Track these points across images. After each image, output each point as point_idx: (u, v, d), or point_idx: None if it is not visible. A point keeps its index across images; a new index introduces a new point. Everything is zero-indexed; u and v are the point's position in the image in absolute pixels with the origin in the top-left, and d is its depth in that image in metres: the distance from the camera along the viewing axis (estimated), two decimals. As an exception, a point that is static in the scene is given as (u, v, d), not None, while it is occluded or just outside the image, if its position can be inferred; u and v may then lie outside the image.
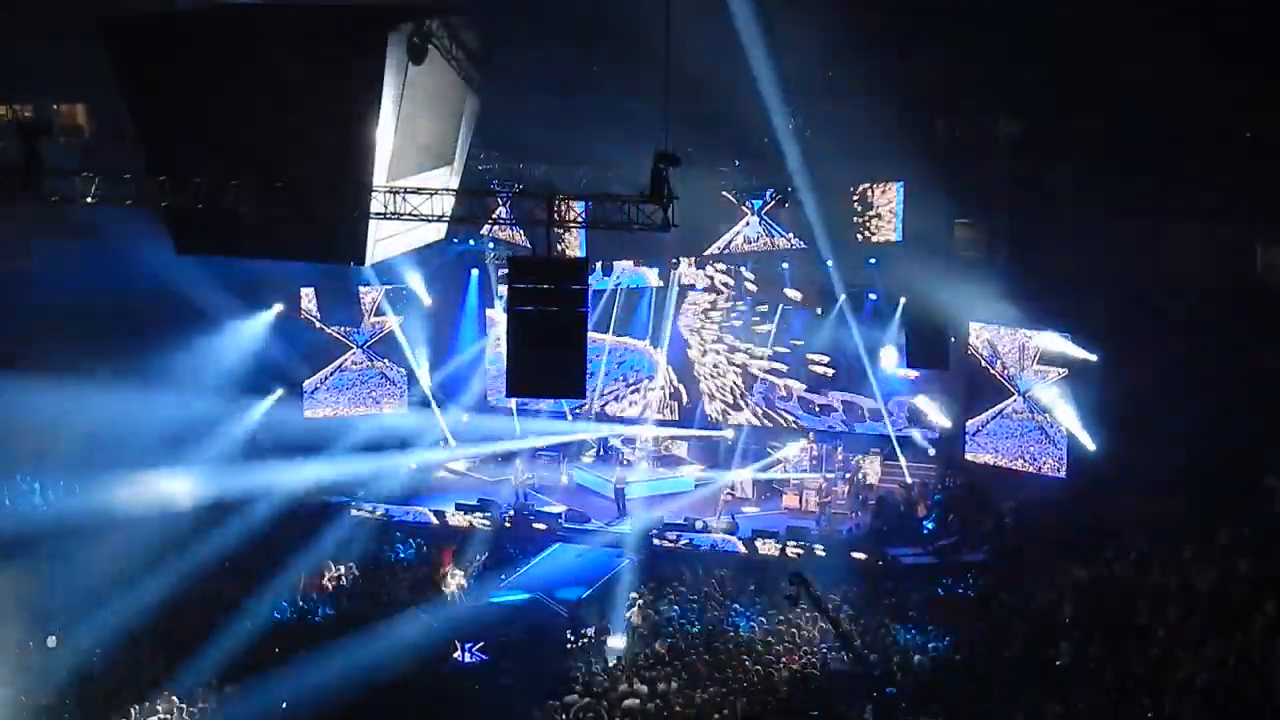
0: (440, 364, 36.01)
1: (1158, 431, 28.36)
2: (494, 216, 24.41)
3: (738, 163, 31.78)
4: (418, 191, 21.43)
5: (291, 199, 20.74)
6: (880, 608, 26.38)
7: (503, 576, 28.81)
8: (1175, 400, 28.37)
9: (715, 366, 35.53)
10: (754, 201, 32.02)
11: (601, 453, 35.18)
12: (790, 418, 34.81)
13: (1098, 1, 27.65)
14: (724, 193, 32.29)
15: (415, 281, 34.86)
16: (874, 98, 28.70)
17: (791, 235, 32.52)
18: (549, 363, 20.46)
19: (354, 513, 31.22)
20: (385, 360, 35.33)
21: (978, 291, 31.14)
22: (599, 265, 34.71)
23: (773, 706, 22.57)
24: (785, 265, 33.80)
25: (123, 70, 21.72)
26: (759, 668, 23.78)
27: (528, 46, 27.42)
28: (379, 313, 35.04)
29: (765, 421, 35.13)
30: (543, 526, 31.06)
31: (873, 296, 33.34)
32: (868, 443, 33.86)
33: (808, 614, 24.85)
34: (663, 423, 35.58)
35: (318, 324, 34.66)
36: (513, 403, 35.25)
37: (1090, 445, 30.21)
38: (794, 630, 24.99)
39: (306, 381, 34.65)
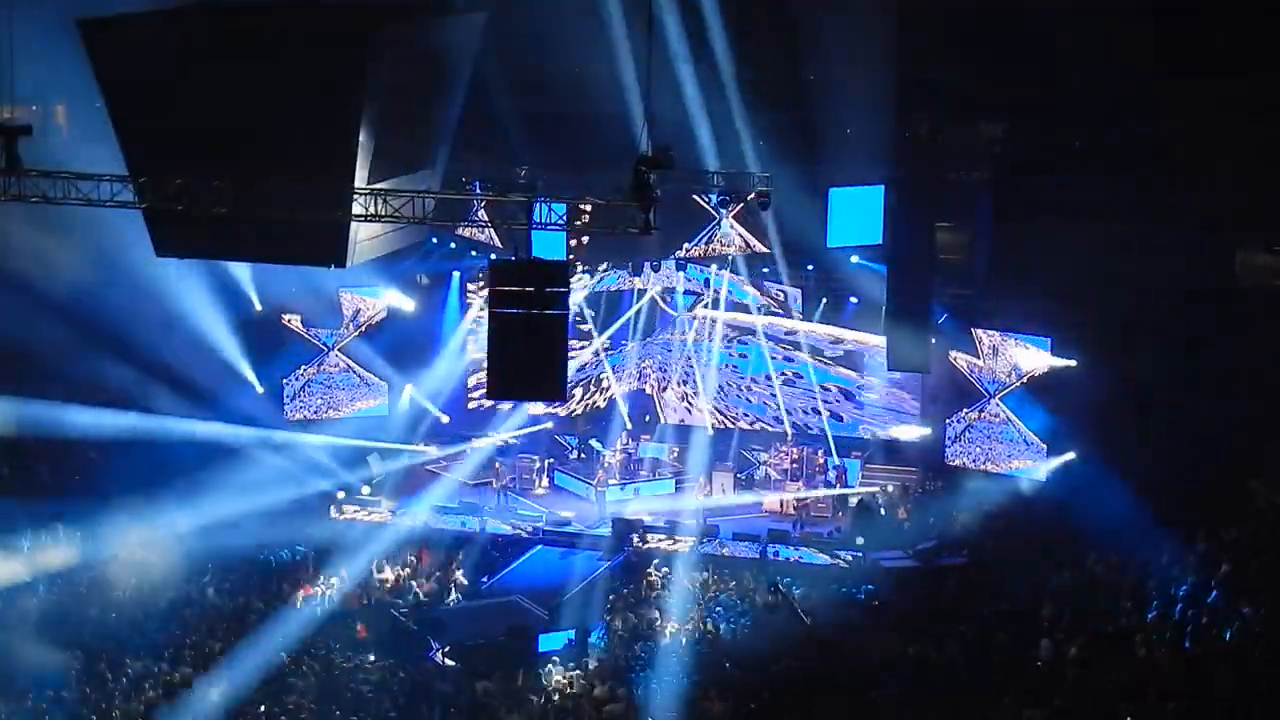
0: (421, 365, 35.80)
1: (1138, 434, 28.48)
2: (475, 219, 24.39)
3: (715, 165, 31.73)
4: (398, 193, 21.38)
5: (271, 201, 20.68)
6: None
7: (483, 579, 28.76)
8: (1156, 403, 28.49)
9: (694, 371, 35.58)
10: (731, 204, 31.88)
11: (582, 455, 35.13)
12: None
13: (1082, 9, 27.77)
14: (697, 196, 32.16)
15: (395, 285, 34.75)
16: (857, 100, 28.79)
17: (768, 238, 32.49)
18: (530, 366, 20.45)
19: (334, 516, 31.13)
20: (359, 365, 35.08)
21: (959, 295, 31.20)
22: (580, 268, 34.59)
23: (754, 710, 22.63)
24: (765, 270, 33.80)
25: (103, 71, 21.67)
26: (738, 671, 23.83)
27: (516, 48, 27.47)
28: (358, 316, 34.87)
29: (745, 425, 35.21)
30: (524, 529, 31.06)
31: (854, 300, 33.41)
32: (848, 445, 33.91)
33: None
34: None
35: (298, 328, 34.51)
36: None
37: (1068, 448, 30.31)
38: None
39: (285, 380, 34.44)
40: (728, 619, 26.61)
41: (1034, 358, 30.71)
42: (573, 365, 33.11)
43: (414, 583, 28.07)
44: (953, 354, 31.91)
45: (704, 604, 27.04)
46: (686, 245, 33.00)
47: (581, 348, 35.22)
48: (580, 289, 34.34)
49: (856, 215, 31.40)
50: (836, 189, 30.64)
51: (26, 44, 22.26)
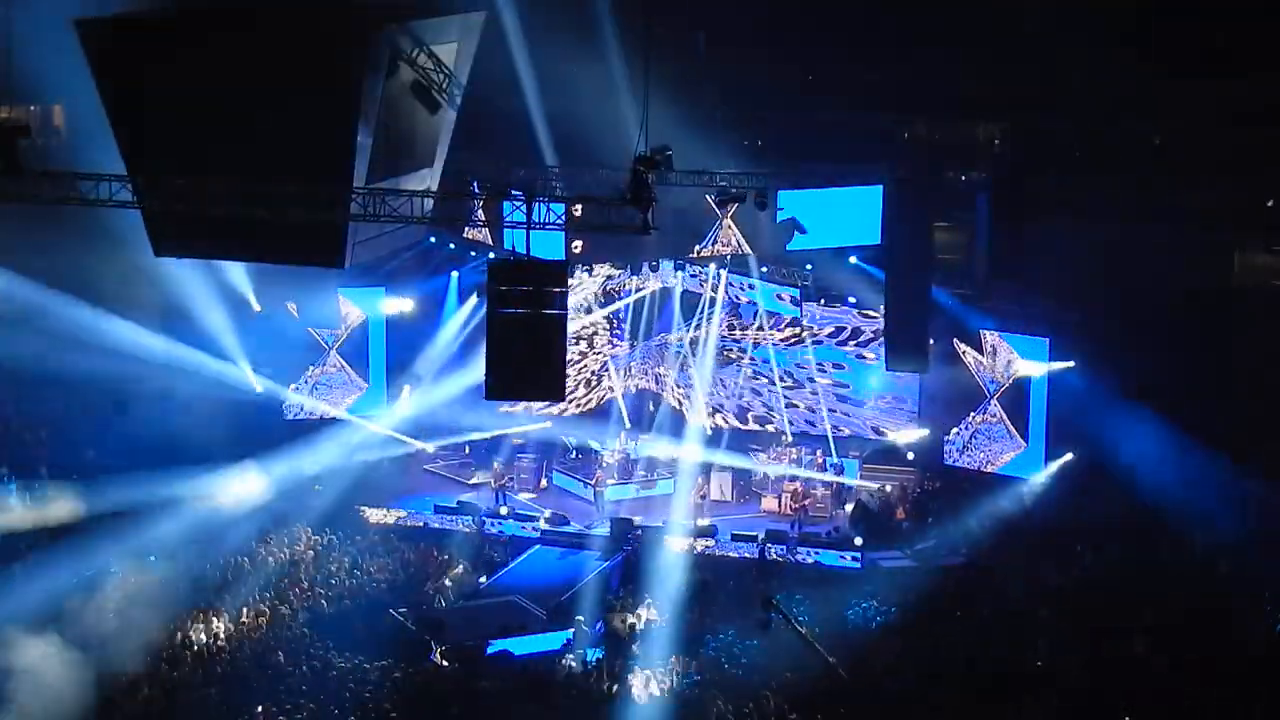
0: (419, 365, 35.78)
1: (1136, 433, 28.47)
2: (474, 219, 24.38)
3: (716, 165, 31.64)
4: (396, 193, 21.37)
5: (270, 201, 20.68)
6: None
7: (481, 579, 28.75)
8: (1154, 402, 28.47)
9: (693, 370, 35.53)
10: (730, 204, 31.77)
11: (580, 454, 35.11)
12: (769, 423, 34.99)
13: (1082, 9, 27.75)
14: (707, 196, 32.08)
15: (394, 285, 34.75)
16: (856, 100, 28.77)
17: (765, 238, 32.41)
18: (529, 366, 20.46)
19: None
20: (357, 365, 35.04)
21: (956, 293, 31.19)
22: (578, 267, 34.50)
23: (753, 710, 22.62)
24: (764, 269, 33.75)
25: (102, 71, 21.64)
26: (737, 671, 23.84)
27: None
28: (356, 317, 34.84)
29: (742, 424, 35.21)
30: (522, 528, 31.07)
31: (852, 300, 33.40)
32: (847, 445, 33.90)
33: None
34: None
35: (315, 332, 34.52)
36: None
37: (1066, 449, 30.31)
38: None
39: (292, 387, 34.39)
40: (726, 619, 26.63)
41: (1031, 361, 30.72)
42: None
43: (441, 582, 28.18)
44: (961, 347, 31.85)
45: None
46: (697, 246, 32.91)
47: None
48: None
49: (819, 217, 31.08)
50: (785, 191, 30.11)
51: (25, 44, 22.31)
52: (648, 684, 23.77)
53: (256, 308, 33.33)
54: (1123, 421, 28.87)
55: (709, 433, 34.79)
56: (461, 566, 28.96)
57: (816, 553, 29.71)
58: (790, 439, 34.17)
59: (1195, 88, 27.33)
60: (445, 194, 24.26)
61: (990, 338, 31.32)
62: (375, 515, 31.38)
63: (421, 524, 31.27)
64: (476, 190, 27.45)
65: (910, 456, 33.38)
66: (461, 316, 35.26)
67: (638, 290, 35.50)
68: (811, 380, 34.45)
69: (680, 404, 35.57)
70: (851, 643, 24.55)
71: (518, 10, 27.14)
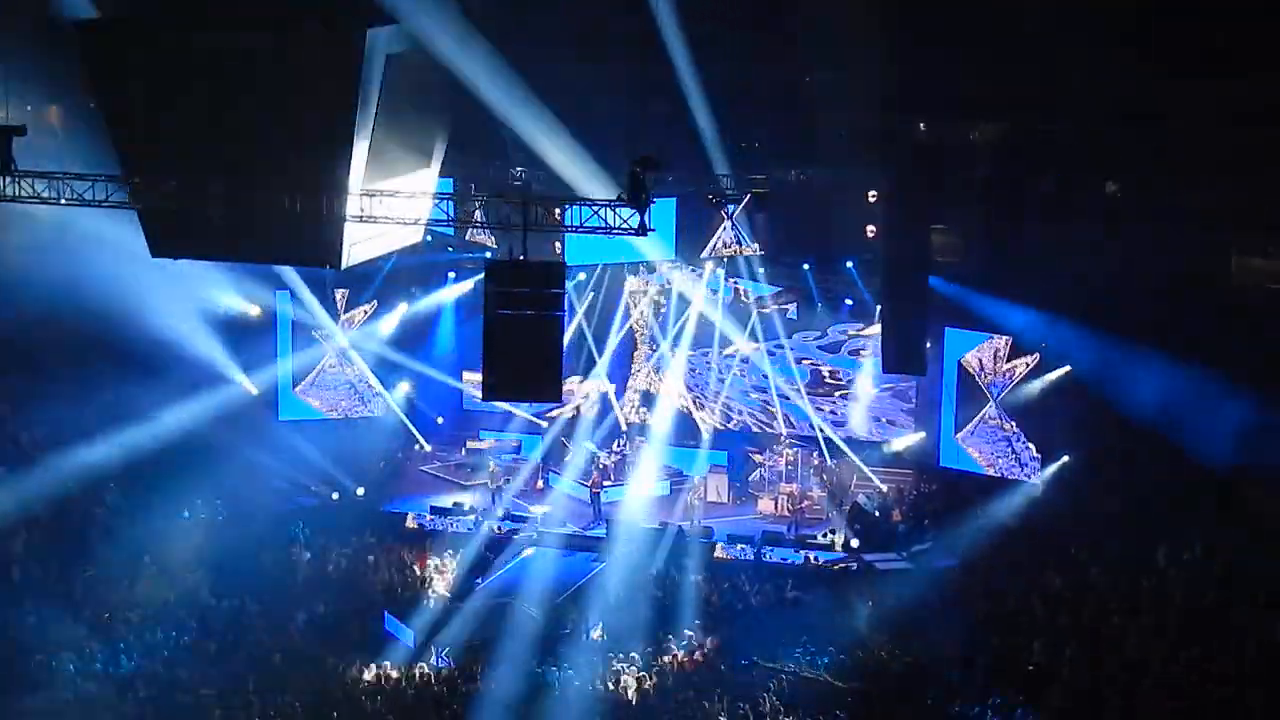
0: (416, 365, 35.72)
1: (1133, 436, 28.42)
2: (471, 220, 24.28)
3: (715, 166, 31.60)
4: (394, 195, 21.33)
5: (266, 201, 20.64)
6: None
7: (478, 580, 28.69)
8: (1151, 404, 28.42)
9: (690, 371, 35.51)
10: (729, 205, 31.71)
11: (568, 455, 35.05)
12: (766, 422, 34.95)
13: (1082, 9, 27.67)
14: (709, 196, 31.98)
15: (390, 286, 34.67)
16: (854, 101, 28.71)
17: (767, 239, 32.34)
18: (526, 367, 20.43)
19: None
20: (355, 366, 34.88)
21: (954, 296, 31.15)
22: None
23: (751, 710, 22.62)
24: (761, 270, 33.69)
25: (97, 71, 21.60)
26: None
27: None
28: (354, 317, 34.69)
29: (740, 425, 35.13)
30: (518, 530, 31.01)
31: (849, 302, 33.36)
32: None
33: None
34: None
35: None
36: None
37: (1063, 452, 30.25)
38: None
39: (298, 388, 34.27)
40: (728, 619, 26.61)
41: (1028, 362, 30.71)
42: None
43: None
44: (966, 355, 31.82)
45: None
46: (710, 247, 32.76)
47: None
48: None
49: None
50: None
51: (22, 44, 22.29)
52: (641, 683, 23.79)
53: (255, 312, 33.26)
54: (1121, 423, 28.81)
55: (706, 434, 34.76)
56: (458, 568, 28.94)
57: (813, 555, 29.69)
58: (787, 440, 34.09)
59: (1195, 88, 27.24)
60: (443, 195, 24.17)
61: (988, 340, 31.26)
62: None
63: (418, 525, 31.20)
64: (474, 192, 27.38)
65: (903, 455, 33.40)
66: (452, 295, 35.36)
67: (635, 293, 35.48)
68: (807, 382, 34.42)
69: (677, 406, 35.47)
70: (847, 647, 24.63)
71: (517, 11, 27.11)
